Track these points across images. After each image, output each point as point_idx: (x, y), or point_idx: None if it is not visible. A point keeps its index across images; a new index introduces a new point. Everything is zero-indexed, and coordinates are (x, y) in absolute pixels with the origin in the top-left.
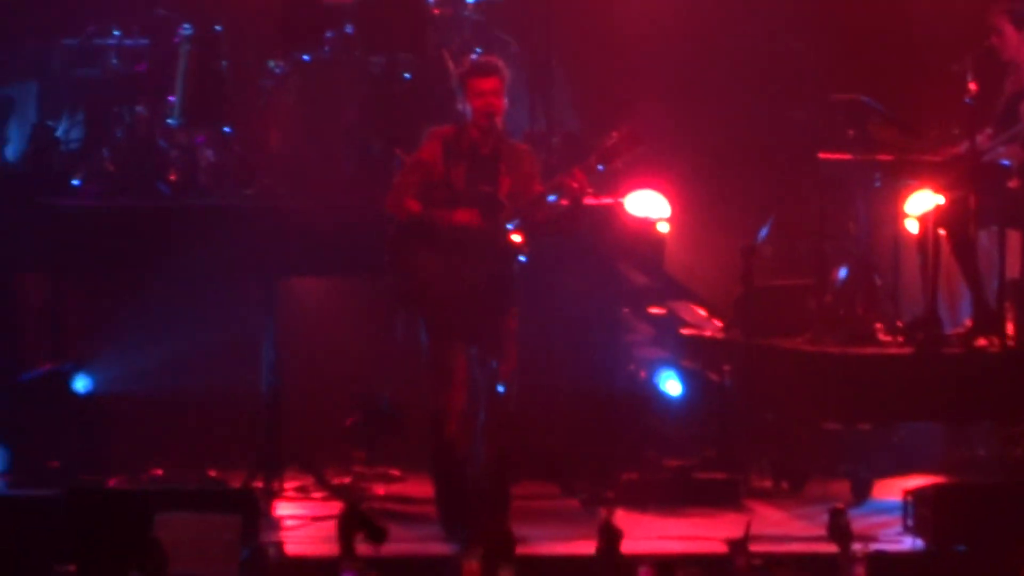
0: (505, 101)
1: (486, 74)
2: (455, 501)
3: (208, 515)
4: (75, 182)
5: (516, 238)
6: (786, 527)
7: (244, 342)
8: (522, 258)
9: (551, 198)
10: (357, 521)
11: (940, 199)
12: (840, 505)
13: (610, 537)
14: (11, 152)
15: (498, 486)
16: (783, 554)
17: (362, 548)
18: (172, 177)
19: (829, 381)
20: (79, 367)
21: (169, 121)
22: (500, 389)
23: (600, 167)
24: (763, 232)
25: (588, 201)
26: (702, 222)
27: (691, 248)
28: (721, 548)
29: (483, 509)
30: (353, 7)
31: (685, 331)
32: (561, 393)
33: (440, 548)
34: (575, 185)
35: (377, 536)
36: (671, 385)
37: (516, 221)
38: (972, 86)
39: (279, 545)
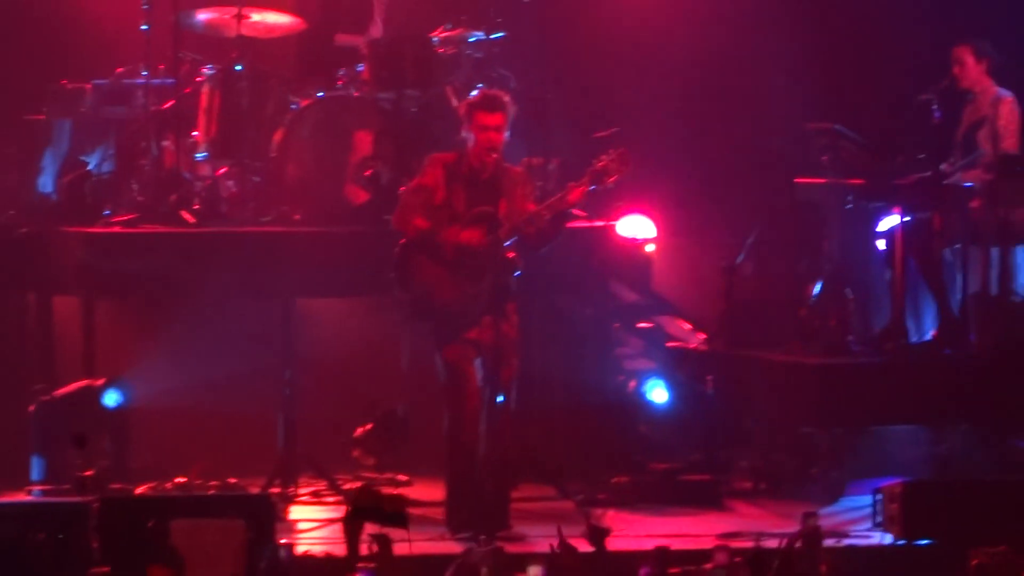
0: (506, 134)
1: (492, 110)
2: (469, 502)
3: (220, 520)
4: (106, 212)
5: (512, 254)
6: (764, 525)
7: (263, 359)
8: (517, 272)
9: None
10: (374, 509)
11: (907, 219)
12: (812, 507)
13: (598, 536)
14: (44, 182)
15: (499, 488)
16: (760, 549)
17: (367, 548)
18: (196, 206)
19: (805, 389)
20: (110, 383)
21: (196, 156)
22: (500, 398)
23: (592, 187)
24: (743, 252)
25: (583, 224)
26: (687, 243)
27: (676, 267)
28: (706, 544)
29: (487, 509)
30: (364, 47)
31: (671, 344)
32: (557, 402)
33: (449, 547)
34: (570, 199)
35: (399, 521)
36: (658, 394)
37: (512, 238)
38: (936, 114)
39: (292, 547)
